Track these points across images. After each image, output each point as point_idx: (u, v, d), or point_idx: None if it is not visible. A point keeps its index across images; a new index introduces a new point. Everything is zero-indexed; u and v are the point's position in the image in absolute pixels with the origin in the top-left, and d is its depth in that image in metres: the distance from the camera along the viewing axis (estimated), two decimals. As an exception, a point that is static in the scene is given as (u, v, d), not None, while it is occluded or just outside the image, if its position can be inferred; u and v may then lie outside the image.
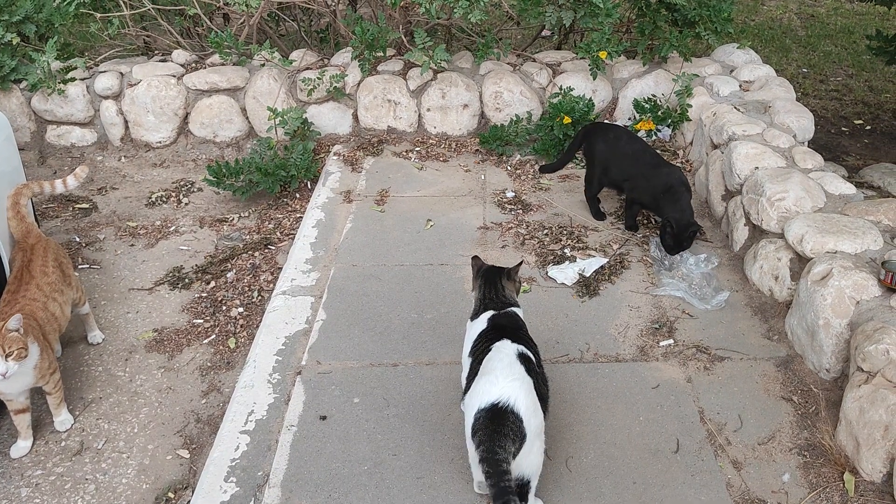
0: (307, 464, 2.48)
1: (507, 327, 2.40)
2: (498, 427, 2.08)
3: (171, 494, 2.51)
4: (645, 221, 3.86)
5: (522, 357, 2.26)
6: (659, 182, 3.53)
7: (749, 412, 2.69)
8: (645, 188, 3.57)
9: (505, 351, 2.27)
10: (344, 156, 4.66)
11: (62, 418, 2.76)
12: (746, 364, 2.92)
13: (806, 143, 3.99)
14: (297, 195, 4.38)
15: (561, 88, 4.69)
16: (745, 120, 3.96)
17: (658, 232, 3.58)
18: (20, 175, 3.30)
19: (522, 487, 2.18)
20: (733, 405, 2.72)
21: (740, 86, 4.59)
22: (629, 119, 4.81)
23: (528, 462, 2.14)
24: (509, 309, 2.50)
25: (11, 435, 2.71)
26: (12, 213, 2.99)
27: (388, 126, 4.90)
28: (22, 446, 2.66)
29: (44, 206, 4.26)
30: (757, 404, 2.73)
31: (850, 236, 2.94)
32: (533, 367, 2.27)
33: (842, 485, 2.39)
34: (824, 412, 2.66)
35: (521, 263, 2.61)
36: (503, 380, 2.15)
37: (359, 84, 4.83)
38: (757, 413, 2.69)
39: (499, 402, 2.10)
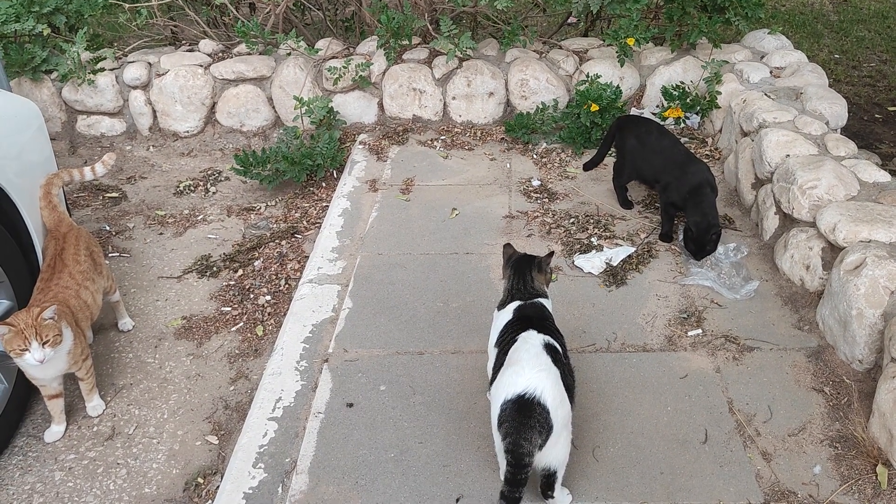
0: (334, 450, 2.50)
1: (533, 318, 2.39)
2: (524, 419, 2.07)
3: (200, 479, 2.55)
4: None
5: (549, 347, 2.25)
6: (685, 182, 3.48)
7: (779, 403, 2.66)
8: (675, 188, 3.52)
9: (531, 342, 2.26)
10: (369, 145, 4.67)
11: (94, 404, 2.81)
12: (776, 354, 2.88)
13: (838, 131, 3.91)
14: (324, 184, 4.40)
15: (588, 76, 4.64)
16: (775, 107, 3.90)
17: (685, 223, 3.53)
18: (52, 165, 3.34)
19: (549, 478, 2.18)
20: (763, 396, 2.69)
21: (771, 72, 4.51)
22: (657, 106, 4.76)
23: (554, 453, 2.14)
24: (536, 300, 2.48)
25: (45, 420, 2.76)
26: (44, 203, 3.03)
27: (414, 115, 4.89)
28: (55, 431, 2.71)
29: (74, 196, 4.32)
30: (787, 395, 2.69)
31: (884, 225, 2.88)
32: (559, 357, 2.26)
33: (874, 477, 2.36)
34: (857, 404, 2.61)
35: (552, 254, 2.58)
36: (529, 370, 2.14)
37: (384, 73, 4.83)
38: (787, 404, 2.65)
39: (525, 394, 2.09)
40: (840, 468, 2.40)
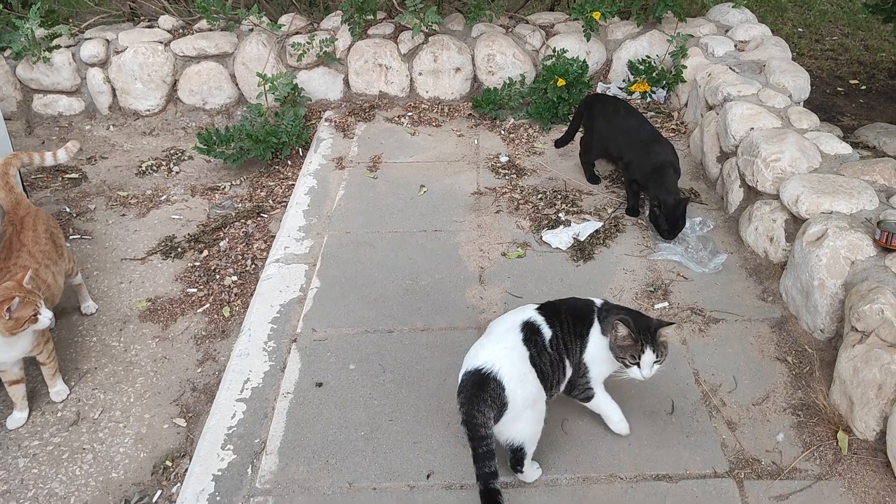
0: (304, 430, 2.49)
1: (556, 305, 2.34)
2: (478, 391, 2.11)
3: (168, 462, 2.52)
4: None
5: (527, 326, 2.23)
6: (649, 161, 3.49)
7: (743, 373, 2.70)
8: (637, 166, 3.54)
9: (513, 317, 2.27)
10: (335, 122, 4.61)
11: (57, 389, 2.76)
12: (741, 325, 2.93)
13: (801, 104, 3.95)
14: (289, 162, 4.34)
15: (554, 50, 4.63)
16: (740, 80, 3.92)
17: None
18: (7, 146, 3.25)
19: (516, 452, 2.20)
20: (728, 366, 2.73)
21: (735, 46, 4.53)
22: (624, 81, 4.76)
23: (517, 428, 2.15)
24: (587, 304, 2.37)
25: (7, 406, 2.70)
26: (1, 184, 2.95)
27: (380, 91, 4.84)
28: (18, 417, 2.66)
29: (32, 177, 4.21)
30: (751, 365, 2.74)
31: (845, 196, 2.92)
32: (540, 340, 2.22)
33: (835, 443, 2.41)
34: (818, 372, 2.67)
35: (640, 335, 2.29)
36: (492, 346, 2.17)
37: (349, 48, 4.76)
38: (751, 374, 2.70)
39: (482, 368, 2.12)
40: (802, 435, 2.46)
